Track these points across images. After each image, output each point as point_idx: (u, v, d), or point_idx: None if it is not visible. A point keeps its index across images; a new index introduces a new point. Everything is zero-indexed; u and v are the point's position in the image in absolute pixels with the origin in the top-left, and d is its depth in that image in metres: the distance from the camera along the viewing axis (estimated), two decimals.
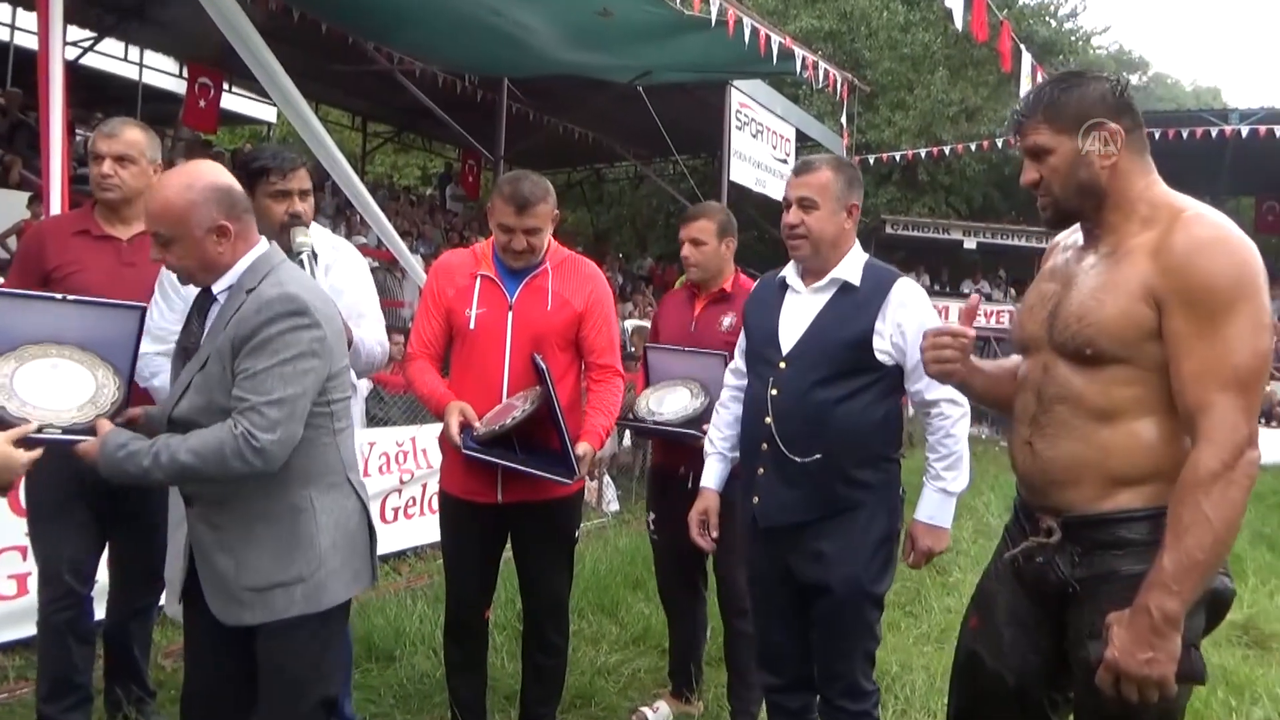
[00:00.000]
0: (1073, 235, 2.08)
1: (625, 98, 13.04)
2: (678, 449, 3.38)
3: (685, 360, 3.42)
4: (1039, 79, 14.47)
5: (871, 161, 20.86)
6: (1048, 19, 25.34)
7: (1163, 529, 1.78)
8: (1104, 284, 1.87)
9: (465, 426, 2.81)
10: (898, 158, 21.64)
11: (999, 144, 20.32)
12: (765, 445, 2.57)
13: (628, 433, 7.32)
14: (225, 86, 15.13)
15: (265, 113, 19.42)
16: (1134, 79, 34.72)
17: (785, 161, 15.37)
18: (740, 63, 10.85)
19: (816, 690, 2.69)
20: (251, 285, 2.08)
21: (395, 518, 5.78)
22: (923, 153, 21.50)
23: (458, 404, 2.85)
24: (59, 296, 2.42)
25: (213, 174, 2.11)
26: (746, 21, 9.13)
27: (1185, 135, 19.71)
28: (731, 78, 12.78)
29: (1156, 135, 19.57)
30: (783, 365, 2.59)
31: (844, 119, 15.07)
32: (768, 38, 9.75)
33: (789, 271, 2.73)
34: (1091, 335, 1.85)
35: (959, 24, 11.27)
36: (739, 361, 2.89)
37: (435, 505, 3.52)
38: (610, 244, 24.42)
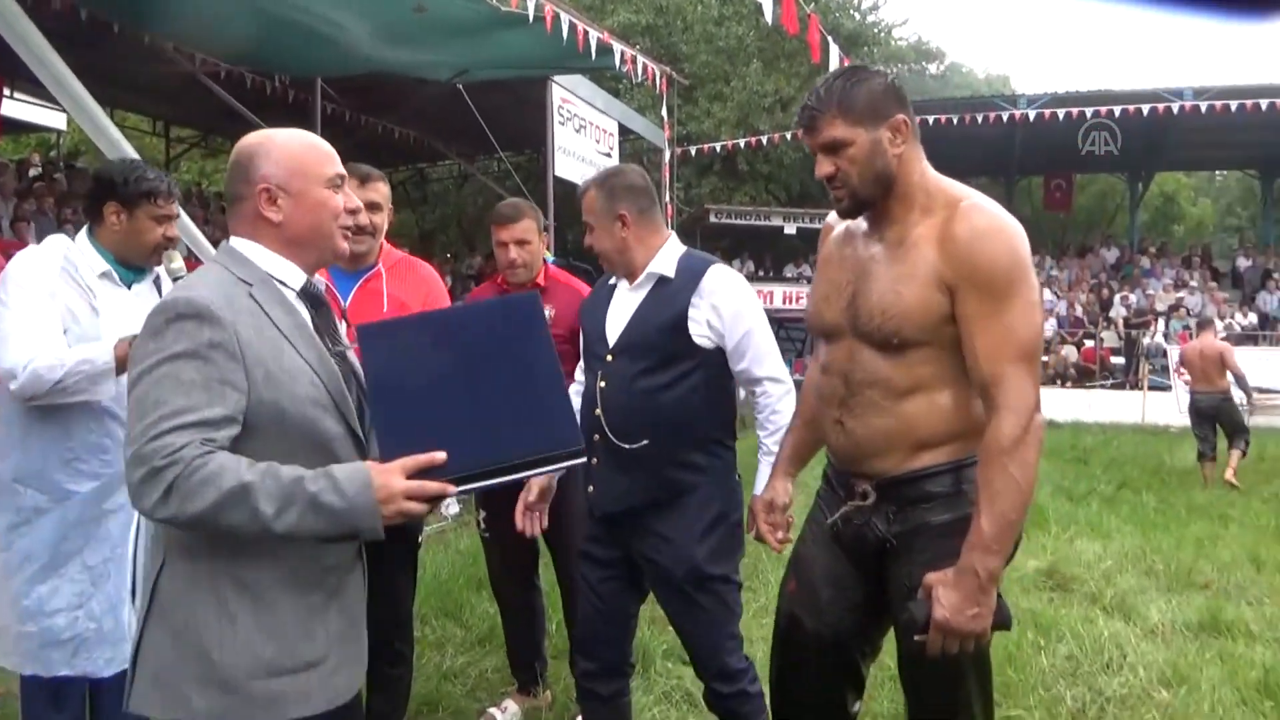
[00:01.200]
0: (843, 224, 2.20)
1: (445, 96, 12.79)
2: None
3: None
4: None
5: (693, 152, 21.27)
6: (852, 12, 26.48)
7: (963, 480, 2.03)
8: (899, 275, 2.01)
9: None
10: (718, 148, 22.14)
11: None
12: (597, 436, 2.64)
13: None
14: (6, 92, 13.98)
15: (54, 120, 18.08)
16: (931, 68, 36.66)
17: (609, 156, 15.44)
18: (560, 58, 10.80)
19: (628, 674, 2.91)
20: None
21: None
22: (742, 143, 22.07)
23: None
24: None
25: None
26: (564, 17, 9.10)
27: (980, 120, 20.98)
28: (551, 74, 12.73)
29: (955, 120, 20.80)
30: (609, 358, 2.70)
31: (664, 112, 15.27)
32: (586, 33, 9.75)
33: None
34: (896, 326, 2.00)
35: (769, 17, 11.61)
36: (581, 364, 2.98)
37: None
38: (436, 244, 24.01)
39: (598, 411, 2.65)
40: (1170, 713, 3.67)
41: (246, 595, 1.65)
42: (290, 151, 1.79)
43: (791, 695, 2.32)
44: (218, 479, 1.52)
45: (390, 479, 1.59)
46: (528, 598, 3.70)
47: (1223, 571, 5.82)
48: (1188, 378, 16.20)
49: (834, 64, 14.28)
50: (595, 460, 2.65)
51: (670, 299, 2.65)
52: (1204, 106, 19.90)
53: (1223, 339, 17.89)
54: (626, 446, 2.60)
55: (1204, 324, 11.17)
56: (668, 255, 2.74)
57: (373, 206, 2.88)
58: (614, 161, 15.55)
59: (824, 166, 2.05)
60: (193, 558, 1.66)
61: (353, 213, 1.85)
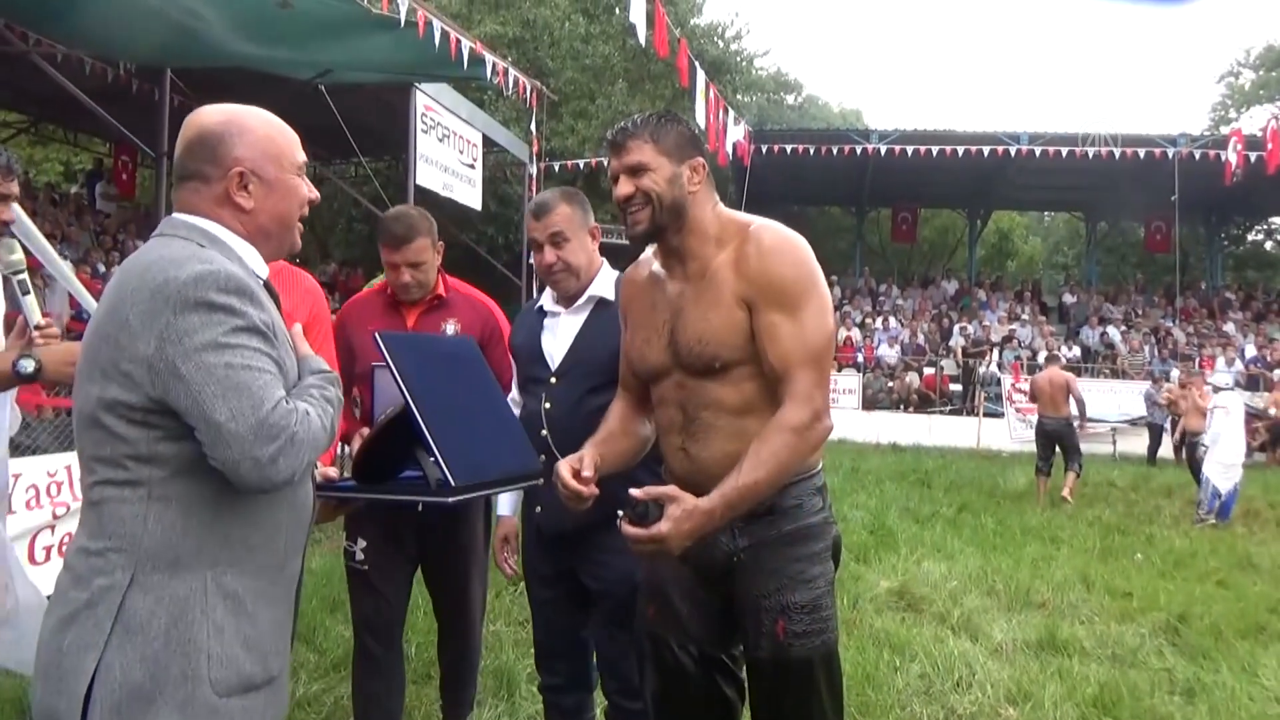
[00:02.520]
0: (645, 271, 2.33)
1: (303, 95, 12.36)
2: None
3: None
4: (712, 95, 15.47)
5: (556, 168, 21.25)
6: (716, 39, 27.05)
7: (803, 492, 2.19)
8: (707, 303, 2.15)
9: None
10: (581, 165, 22.20)
11: None
12: (543, 456, 2.60)
13: None
14: None
15: None
16: (789, 99, 37.92)
17: (473, 167, 15.23)
18: (428, 65, 10.61)
19: (591, 689, 2.89)
20: None
21: (48, 557, 5.06)
22: (606, 161, 22.17)
23: None
24: None
25: None
26: (437, 24, 8.95)
27: (835, 152, 21.72)
28: (420, 80, 12.48)
29: (811, 151, 21.47)
30: (553, 380, 2.71)
31: (533, 126, 15.19)
32: (458, 41, 9.62)
33: (545, 299, 2.84)
34: (714, 351, 2.13)
35: (641, 40, 11.76)
36: (515, 391, 2.94)
37: None
38: None
39: (544, 433, 2.66)
40: None
41: (232, 605, 1.58)
42: (264, 134, 1.72)
43: (674, 716, 2.36)
44: (316, 422, 1.59)
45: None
46: (396, 647, 3.22)
47: (1057, 591, 6.16)
48: (1022, 405, 17.21)
49: (700, 89, 14.61)
50: (542, 481, 2.61)
51: (614, 323, 2.61)
52: (1038, 151, 21.24)
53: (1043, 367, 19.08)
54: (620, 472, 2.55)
55: (1052, 357, 12.85)
56: (605, 278, 2.76)
57: None
58: (477, 173, 15.35)
59: (624, 188, 2.16)
60: (176, 570, 1.55)
61: (311, 202, 1.80)
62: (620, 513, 1.96)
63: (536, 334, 2.81)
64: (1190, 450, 11.74)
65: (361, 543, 3.10)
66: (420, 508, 2.92)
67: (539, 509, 2.75)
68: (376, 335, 1.89)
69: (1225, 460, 10.02)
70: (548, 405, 2.69)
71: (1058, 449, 11.09)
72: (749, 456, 2.02)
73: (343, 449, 3.32)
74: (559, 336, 2.76)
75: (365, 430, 2.72)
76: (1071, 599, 5.99)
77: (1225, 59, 60.89)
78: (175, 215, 1.70)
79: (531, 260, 2.88)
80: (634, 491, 1.97)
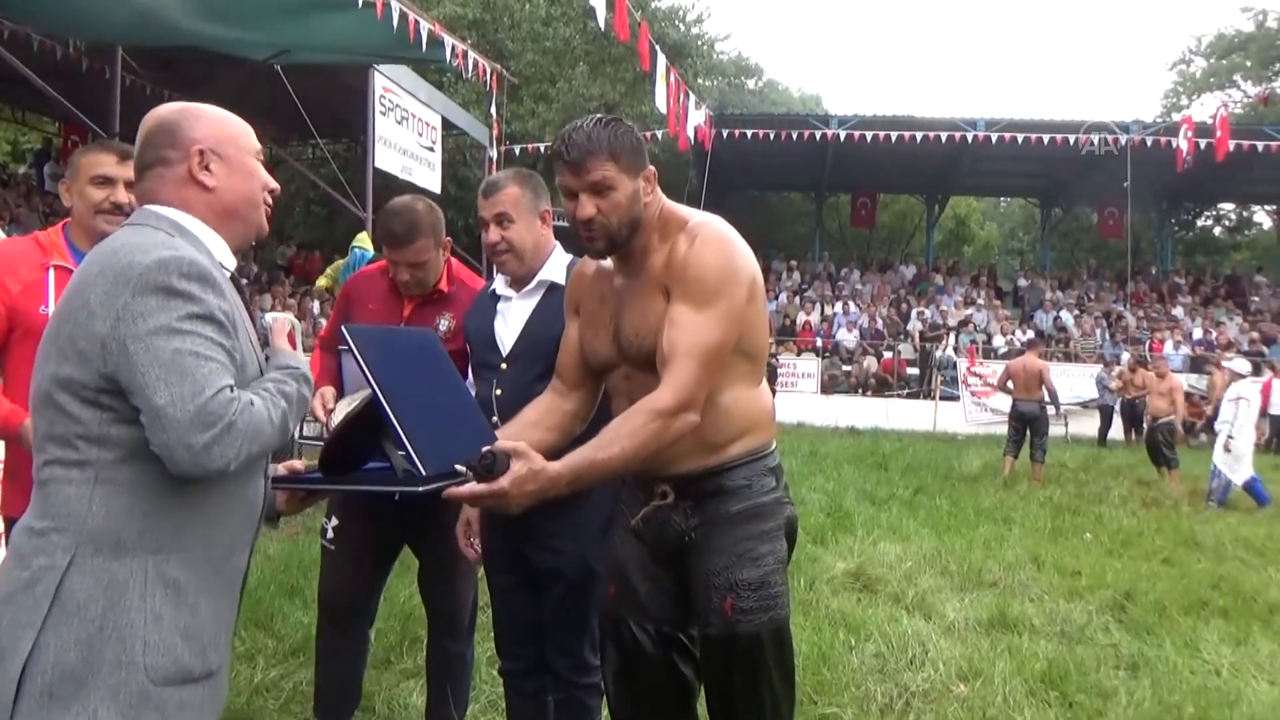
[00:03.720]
0: (594, 266, 2.34)
1: (259, 75, 12.16)
2: None
3: None
4: (673, 79, 15.47)
5: (517, 151, 21.13)
6: (677, 23, 27.00)
7: (753, 472, 2.23)
8: (644, 297, 2.18)
9: None
10: (543, 149, 22.09)
11: None
12: None
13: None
14: None
15: None
16: (750, 83, 37.98)
17: (432, 149, 15.11)
18: (387, 47, 10.50)
19: (550, 670, 2.85)
20: None
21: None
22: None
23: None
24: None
25: None
26: (395, 5, 8.86)
27: (795, 137, 21.81)
28: (378, 62, 12.34)
29: (772, 136, 21.55)
30: (504, 366, 2.72)
31: (493, 109, 15.09)
32: (416, 23, 9.53)
33: (498, 283, 2.84)
34: (651, 344, 2.14)
35: (601, 23, 11.71)
36: (471, 377, 2.90)
37: None
38: None
39: (494, 419, 2.63)
40: (968, 705, 3.93)
41: (172, 594, 1.58)
42: (219, 118, 1.76)
43: (632, 695, 2.39)
44: (266, 412, 1.59)
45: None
46: (357, 629, 3.21)
47: (1008, 570, 6.30)
48: (977, 388, 17.54)
49: (661, 73, 14.60)
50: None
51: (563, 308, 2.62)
52: (994, 138, 21.48)
53: (1003, 354, 19.45)
54: None
55: (1031, 344, 13.68)
56: (557, 262, 2.76)
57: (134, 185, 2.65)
58: (437, 156, 15.23)
59: (586, 208, 2.11)
60: (118, 554, 1.55)
61: (272, 191, 1.82)
62: (465, 465, 1.88)
63: (489, 319, 2.81)
64: (1150, 433, 12.05)
65: (334, 521, 3.11)
66: (397, 497, 2.93)
67: None
68: (344, 329, 1.92)
69: (1242, 451, 10.22)
70: (499, 391, 2.69)
71: (1028, 432, 11.58)
72: (608, 430, 2.03)
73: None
74: (510, 321, 2.76)
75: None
76: (1022, 578, 6.13)
77: (1177, 47, 61.83)
78: (146, 206, 1.71)
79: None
80: (484, 448, 1.90)
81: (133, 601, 1.54)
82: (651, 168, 2.19)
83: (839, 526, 7.54)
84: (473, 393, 2.83)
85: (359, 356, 1.87)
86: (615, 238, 2.15)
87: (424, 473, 1.84)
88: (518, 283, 2.78)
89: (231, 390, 1.56)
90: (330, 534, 3.12)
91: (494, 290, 2.85)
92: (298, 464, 2.00)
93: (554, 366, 2.54)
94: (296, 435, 1.88)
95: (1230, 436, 10.25)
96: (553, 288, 2.72)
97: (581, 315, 2.39)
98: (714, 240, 2.13)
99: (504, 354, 2.72)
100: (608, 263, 2.30)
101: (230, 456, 1.53)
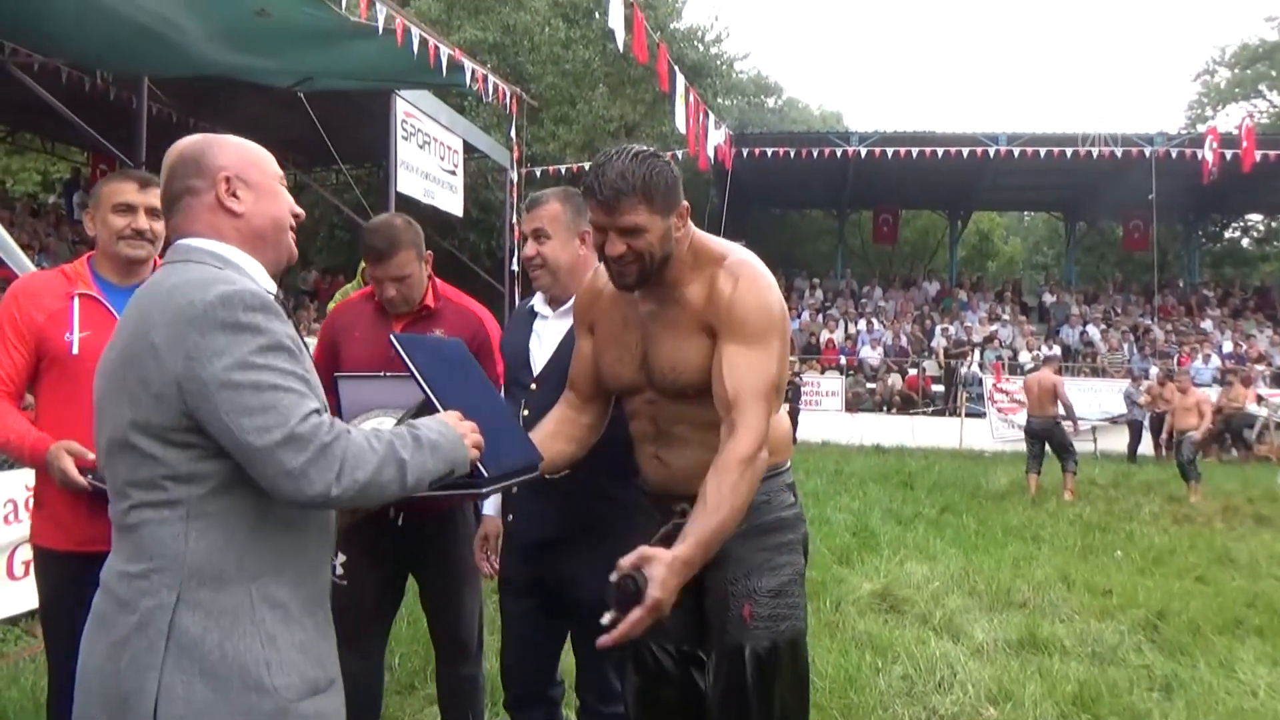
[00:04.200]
0: (605, 281, 2.30)
1: (283, 103, 12.33)
2: None
3: (394, 387, 2.86)
4: (692, 99, 15.51)
5: (538, 174, 21.24)
6: (696, 43, 27.10)
7: (775, 488, 2.30)
8: (680, 332, 2.20)
9: (84, 468, 2.49)
10: (563, 170, 22.20)
11: None
12: None
13: None
14: None
15: None
16: (770, 101, 38.08)
17: (454, 173, 15.20)
18: (408, 72, 10.59)
19: (556, 702, 2.86)
20: None
21: (26, 572, 4.99)
22: (587, 165, 22.11)
23: (63, 444, 2.51)
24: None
25: None
26: (415, 31, 8.94)
27: (815, 155, 21.80)
28: (400, 87, 12.45)
29: (793, 154, 21.55)
30: (534, 386, 2.69)
31: (513, 132, 15.19)
32: (437, 48, 9.61)
33: (536, 299, 2.83)
34: (689, 379, 2.19)
35: (620, 45, 11.77)
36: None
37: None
38: None
39: None
40: None
41: (280, 613, 1.61)
42: (241, 145, 1.77)
43: (654, 716, 2.40)
44: (366, 442, 1.59)
45: (453, 418, 1.79)
46: (367, 668, 3.10)
47: (1038, 590, 6.20)
48: (1004, 404, 17.40)
49: (680, 93, 14.64)
50: (515, 489, 2.59)
51: None
52: (1016, 152, 21.40)
53: (1029, 370, 19.33)
54: (548, 476, 2.51)
55: (1048, 359, 13.63)
56: None
57: (155, 212, 2.65)
58: (459, 179, 15.32)
59: (617, 246, 2.11)
60: (222, 585, 1.57)
61: (297, 216, 1.83)
62: (608, 611, 1.89)
63: (525, 336, 2.79)
64: (1178, 448, 11.90)
65: (341, 557, 3.05)
66: (410, 520, 2.95)
67: (512, 517, 2.73)
68: (393, 337, 1.97)
69: None
70: (526, 412, 2.66)
71: (1048, 448, 11.46)
72: (710, 493, 2.02)
73: None
74: (544, 341, 2.74)
75: None
76: (1052, 597, 6.04)
77: (1201, 57, 61.43)
78: (180, 241, 1.71)
79: (514, 264, 2.86)
80: (613, 577, 1.90)
81: (245, 628, 1.57)
82: (685, 203, 2.18)
83: (865, 546, 7.47)
84: None
85: (410, 363, 1.92)
86: (645, 275, 2.16)
87: (486, 474, 1.88)
88: (553, 302, 2.77)
89: (319, 414, 1.57)
90: (340, 570, 3.03)
91: (532, 307, 2.84)
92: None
93: None
94: None
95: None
96: None
97: (598, 334, 2.39)
98: (758, 280, 2.16)
99: (535, 374, 2.71)
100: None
101: (330, 480, 1.52)
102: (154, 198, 2.70)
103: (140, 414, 1.56)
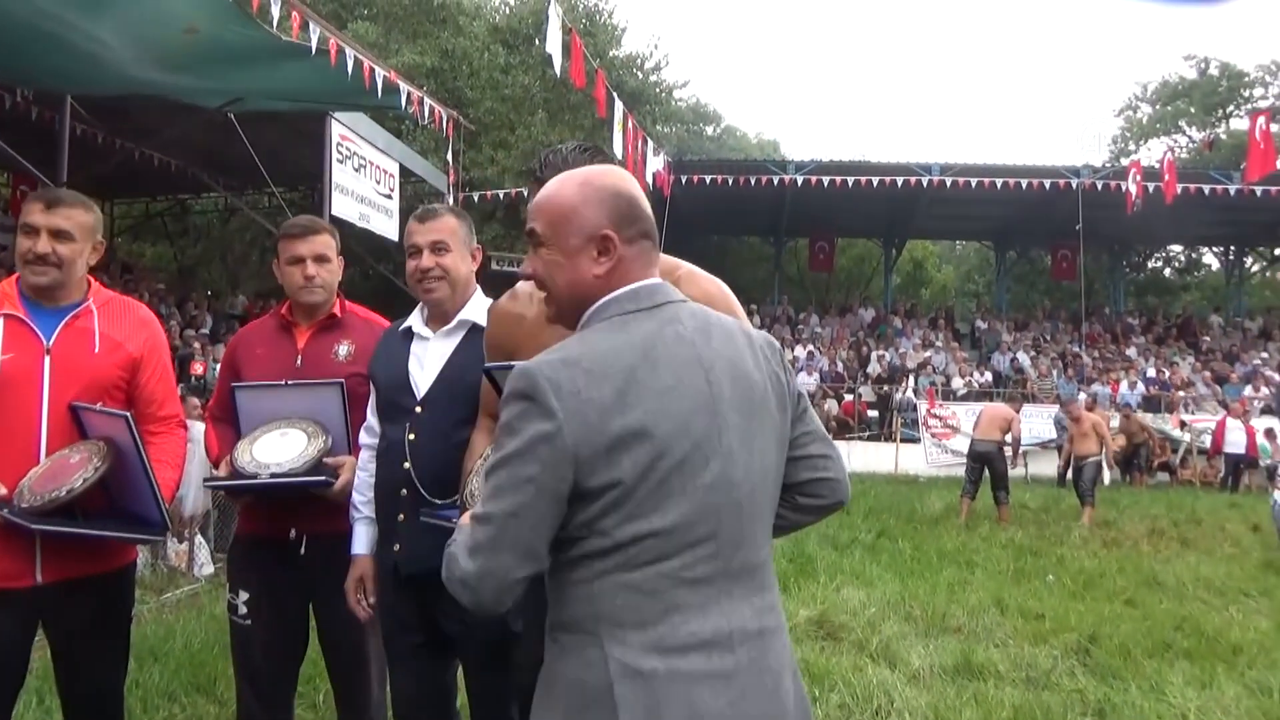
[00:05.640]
0: (532, 307, 2.21)
1: (213, 124, 12.08)
2: (284, 512, 2.85)
3: (291, 396, 2.89)
4: (630, 126, 15.55)
5: (476, 199, 21.12)
6: (636, 70, 27.23)
7: None
8: None
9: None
10: (501, 196, 22.10)
11: None
12: (405, 490, 2.51)
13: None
14: None
15: None
16: (708, 129, 38.40)
17: (390, 197, 15.04)
18: (342, 94, 10.46)
19: None
20: None
21: None
22: (525, 191, 22.09)
23: None
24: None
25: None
26: (349, 52, 8.82)
27: (753, 183, 22.02)
28: (333, 109, 12.29)
29: (730, 182, 21.73)
30: (419, 409, 2.57)
31: (449, 156, 15.08)
32: (371, 70, 9.50)
33: (414, 320, 2.72)
34: None
35: (558, 70, 11.77)
36: (372, 420, 2.75)
37: None
38: (198, 280, 22.58)
39: (406, 465, 2.50)
40: None
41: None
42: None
43: None
44: None
45: None
46: (283, 703, 3.01)
47: (972, 615, 6.23)
48: (938, 430, 17.65)
49: (618, 120, 14.67)
50: (403, 517, 2.50)
51: None
52: (949, 182, 21.83)
53: (962, 395, 19.58)
54: (439, 501, 2.44)
55: (1010, 398, 14.07)
56: (479, 304, 2.66)
57: (61, 235, 2.56)
58: (395, 203, 15.16)
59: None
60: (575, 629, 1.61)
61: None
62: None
63: (403, 359, 2.66)
64: (1077, 473, 12.08)
65: (244, 595, 2.92)
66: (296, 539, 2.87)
67: (398, 547, 2.55)
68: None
69: None
70: (411, 436, 2.54)
71: (986, 473, 11.67)
72: None
73: None
74: (426, 363, 2.63)
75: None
76: (986, 622, 6.07)
77: (1123, 94, 63.62)
78: (663, 284, 1.66)
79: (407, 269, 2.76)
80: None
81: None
82: None
83: (802, 573, 7.46)
84: (376, 434, 2.70)
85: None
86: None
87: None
88: (436, 321, 2.67)
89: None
90: (243, 609, 2.91)
91: (407, 328, 2.71)
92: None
93: (472, 412, 2.46)
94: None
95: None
96: (474, 329, 2.61)
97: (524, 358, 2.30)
98: (716, 289, 2.15)
99: (419, 397, 2.58)
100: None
101: None
102: (60, 219, 2.58)
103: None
